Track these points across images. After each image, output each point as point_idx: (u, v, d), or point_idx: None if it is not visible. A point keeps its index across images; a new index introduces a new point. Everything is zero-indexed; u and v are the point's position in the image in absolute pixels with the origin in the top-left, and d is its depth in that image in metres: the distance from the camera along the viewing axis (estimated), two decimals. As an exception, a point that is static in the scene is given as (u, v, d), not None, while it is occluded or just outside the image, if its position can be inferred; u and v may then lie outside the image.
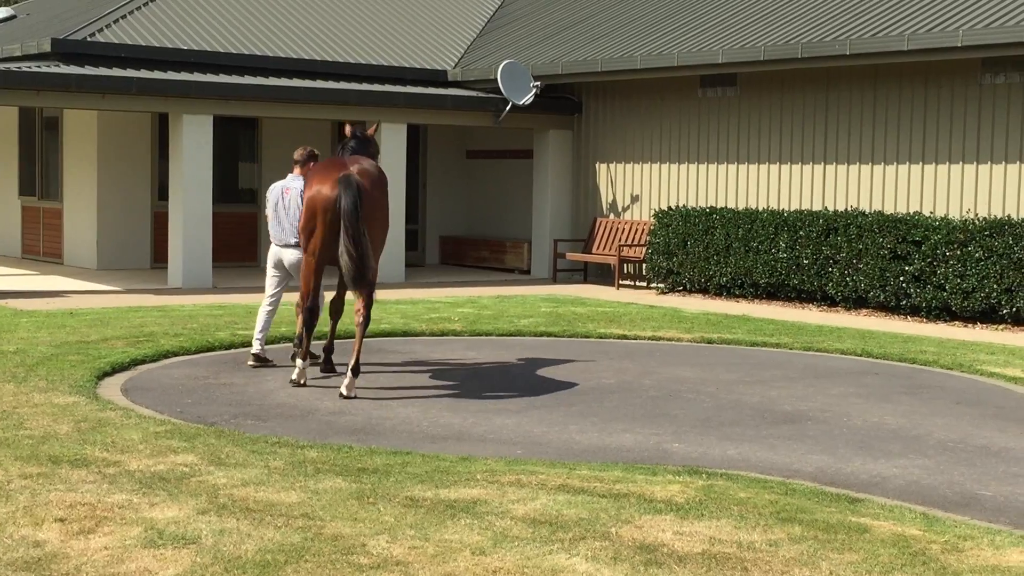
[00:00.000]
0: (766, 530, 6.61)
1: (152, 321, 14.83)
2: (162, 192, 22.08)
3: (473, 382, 11.59)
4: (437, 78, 22.77)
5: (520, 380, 11.75)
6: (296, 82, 20.71)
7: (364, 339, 11.09)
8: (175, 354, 12.65)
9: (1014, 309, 15.80)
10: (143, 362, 12.11)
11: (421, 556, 5.98)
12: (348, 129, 11.78)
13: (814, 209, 18.59)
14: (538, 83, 21.70)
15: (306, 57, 21.72)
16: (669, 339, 14.64)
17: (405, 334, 14.53)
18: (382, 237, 11.27)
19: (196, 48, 20.81)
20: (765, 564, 6.05)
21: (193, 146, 19.48)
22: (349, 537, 6.24)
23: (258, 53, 21.36)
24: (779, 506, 7.11)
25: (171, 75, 19.56)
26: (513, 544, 6.22)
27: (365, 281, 10.65)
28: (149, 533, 6.25)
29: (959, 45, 16.14)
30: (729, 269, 19.03)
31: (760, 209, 19.08)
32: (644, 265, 20.96)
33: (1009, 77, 16.62)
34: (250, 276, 21.48)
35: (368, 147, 11.65)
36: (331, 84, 21.02)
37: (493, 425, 9.66)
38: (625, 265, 21.39)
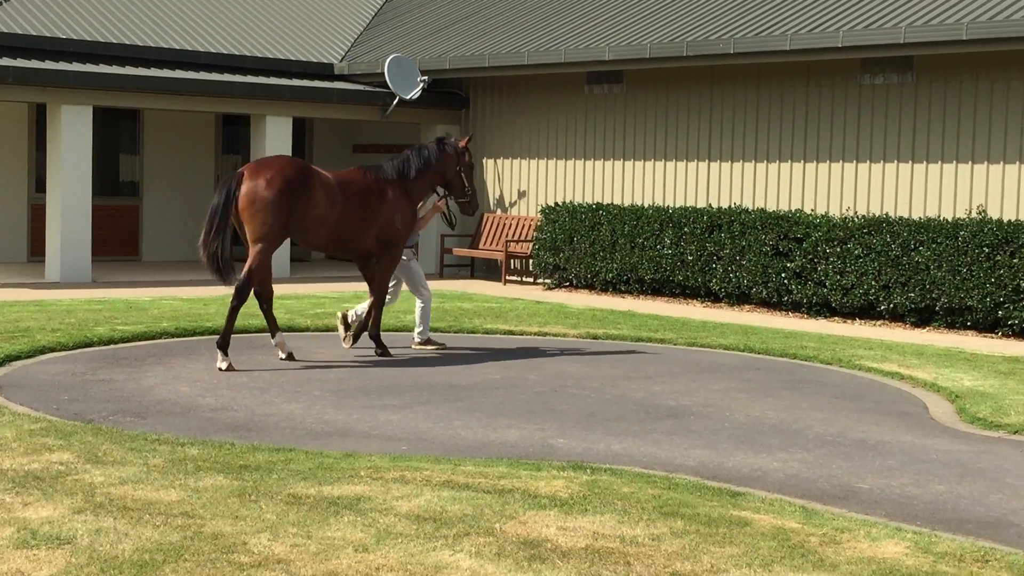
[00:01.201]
0: (649, 524, 6.65)
1: (28, 316, 14.50)
2: (39, 184, 21.61)
3: (358, 378, 11.51)
4: (323, 71, 22.58)
5: (405, 376, 11.70)
6: (179, 74, 20.39)
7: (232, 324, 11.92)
8: (52, 350, 12.37)
9: (892, 305, 16.13)
10: (18, 358, 11.83)
11: (303, 554, 5.91)
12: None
13: (698, 206, 18.80)
14: (425, 78, 21.64)
15: (189, 48, 21.39)
16: (555, 335, 14.69)
17: (290, 329, 14.38)
18: (256, 232, 11.88)
19: (76, 38, 20.38)
20: (647, 558, 6.08)
21: (72, 137, 19.08)
22: (230, 536, 6.14)
23: (140, 43, 20.98)
24: (662, 500, 7.16)
25: (49, 64, 19.12)
26: (396, 541, 6.17)
27: (221, 278, 11.87)
28: (22, 534, 6.09)
29: (839, 46, 16.43)
30: (615, 265, 19.16)
31: (646, 206, 19.23)
32: (531, 261, 21.02)
33: (888, 78, 16.96)
34: (131, 270, 21.12)
35: (421, 157, 12.91)
36: (215, 76, 20.72)
37: (378, 421, 9.60)
38: (512, 261, 21.43)
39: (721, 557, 6.14)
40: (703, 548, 6.27)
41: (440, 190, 13.35)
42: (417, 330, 13.36)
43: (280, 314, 15.37)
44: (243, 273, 11.85)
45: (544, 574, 5.80)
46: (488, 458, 8.31)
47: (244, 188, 11.81)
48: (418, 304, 13.31)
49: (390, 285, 13.10)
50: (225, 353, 11.66)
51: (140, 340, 13.32)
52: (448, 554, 6.02)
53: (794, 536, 6.53)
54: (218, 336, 11.95)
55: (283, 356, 12.32)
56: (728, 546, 6.32)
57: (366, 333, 12.98)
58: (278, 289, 18.63)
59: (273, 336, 12.41)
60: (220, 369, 11.55)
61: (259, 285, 12.20)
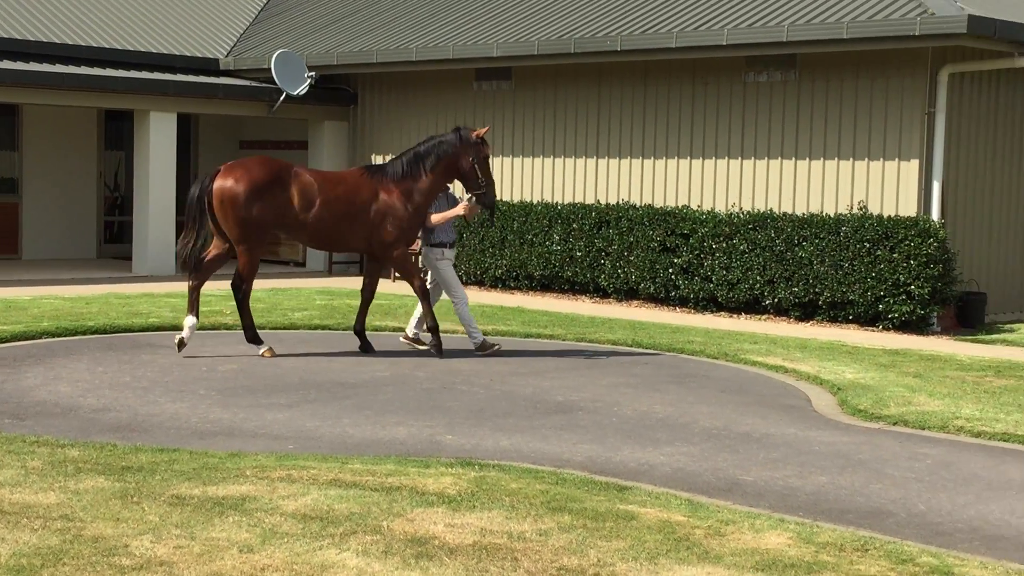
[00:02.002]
0: (536, 520, 6.66)
1: (-97, 316, 14.10)
2: (-85, 181, 21.02)
3: (245, 377, 11.38)
4: (209, 67, 22.27)
5: (293, 374, 11.59)
6: (59, 68, 19.96)
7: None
8: (-73, 351, 12.06)
9: (776, 300, 16.37)
10: None
11: (187, 555, 5.82)
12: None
13: (587, 202, 18.89)
14: (313, 73, 21.46)
15: (70, 42, 20.94)
16: (444, 331, 14.63)
17: (175, 328, 14.16)
18: (232, 233, 12.43)
19: (-49, 30, 19.88)
20: (535, 554, 6.09)
21: (-52, 133, 18.59)
22: (111, 538, 6.03)
23: (18, 37, 20.49)
24: (549, 496, 7.18)
25: (-76, 58, 18.62)
26: (282, 541, 6.11)
27: (186, 273, 12.72)
28: None
29: (724, 44, 16.62)
30: (504, 261, 19.19)
31: (535, 202, 19.29)
32: (420, 258, 20.90)
33: (771, 76, 17.20)
34: (10, 269, 20.66)
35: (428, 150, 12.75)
36: (96, 71, 20.33)
37: (265, 420, 9.49)
38: (401, 257, 21.32)
39: (608, 551, 6.17)
40: (590, 542, 6.30)
41: (467, 193, 13.02)
42: (470, 334, 13.06)
43: (166, 313, 15.15)
44: (235, 273, 12.69)
45: (431, 571, 5.78)
46: (376, 456, 8.27)
47: (214, 187, 12.33)
48: (455, 308, 13.12)
49: (427, 283, 13.07)
50: (259, 342, 12.55)
51: (19, 340, 13.02)
52: (335, 553, 5.97)
53: (680, 529, 6.60)
54: (244, 334, 12.68)
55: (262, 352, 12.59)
56: (615, 540, 6.36)
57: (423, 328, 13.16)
58: (166, 287, 18.36)
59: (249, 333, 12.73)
60: (263, 356, 12.38)
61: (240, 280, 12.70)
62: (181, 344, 12.27)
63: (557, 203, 18.94)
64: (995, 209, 17.06)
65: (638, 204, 18.33)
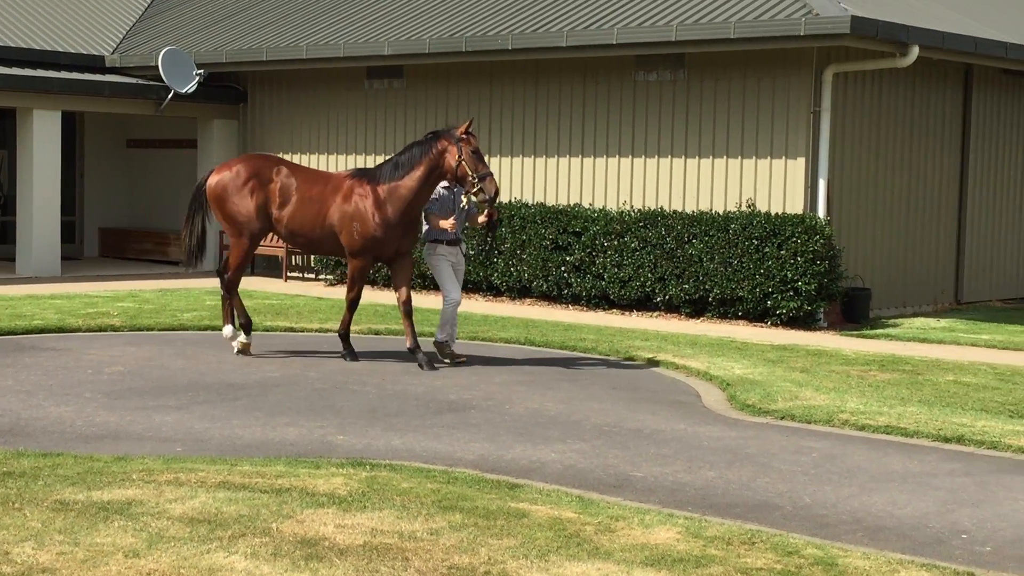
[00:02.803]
0: (427, 519, 6.66)
1: None
2: None
3: (132, 379, 11.20)
4: (94, 64, 21.88)
5: (182, 375, 11.44)
6: (-61, 64, 19.48)
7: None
8: None
9: (667, 297, 16.53)
10: None
11: (70, 562, 5.72)
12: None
13: (479, 201, 18.88)
14: (201, 71, 21.19)
15: (-50, 38, 20.45)
16: (336, 331, 14.54)
17: (60, 330, 13.91)
18: (224, 227, 12.91)
19: None
20: (425, 553, 6.09)
21: None
22: (-9, 546, 5.90)
23: None
24: (441, 495, 7.18)
25: None
26: (169, 545, 6.03)
27: (187, 264, 13.31)
28: None
29: (614, 43, 16.74)
30: (397, 260, 19.10)
31: (427, 201, 19.23)
32: (312, 257, 20.80)
33: (661, 75, 17.36)
34: None
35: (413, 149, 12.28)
36: (-22, 67, 19.87)
37: (152, 423, 9.36)
38: (293, 257, 21.18)
39: (498, 549, 6.19)
40: (481, 541, 6.31)
41: (464, 199, 12.25)
42: (439, 329, 12.48)
43: (50, 315, 14.86)
44: (223, 264, 12.96)
45: (321, 573, 5.75)
46: (266, 457, 8.19)
47: (207, 183, 12.81)
48: (442, 305, 12.55)
49: (450, 284, 12.46)
50: (247, 333, 12.68)
51: (-102, 344, 12.70)
52: (223, 556, 5.91)
53: (570, 526, 6.63)
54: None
55: (236, 350, 12.71)
56: (506, 538, 6.38)
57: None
58: (51, 288, 18.01)
59: (224, 327, 12.91)
60: (228, 339, 12.76)
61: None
62: (243, 351, 12.66)
63: (450, 202, 18.90)
64: (879, 206, 17.40)
65: (530, 202, 18.38)
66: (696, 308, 16.48)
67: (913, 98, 17.74)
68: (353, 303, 12.49)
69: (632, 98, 17.66)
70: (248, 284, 19.89)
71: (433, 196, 12.36)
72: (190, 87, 21.06)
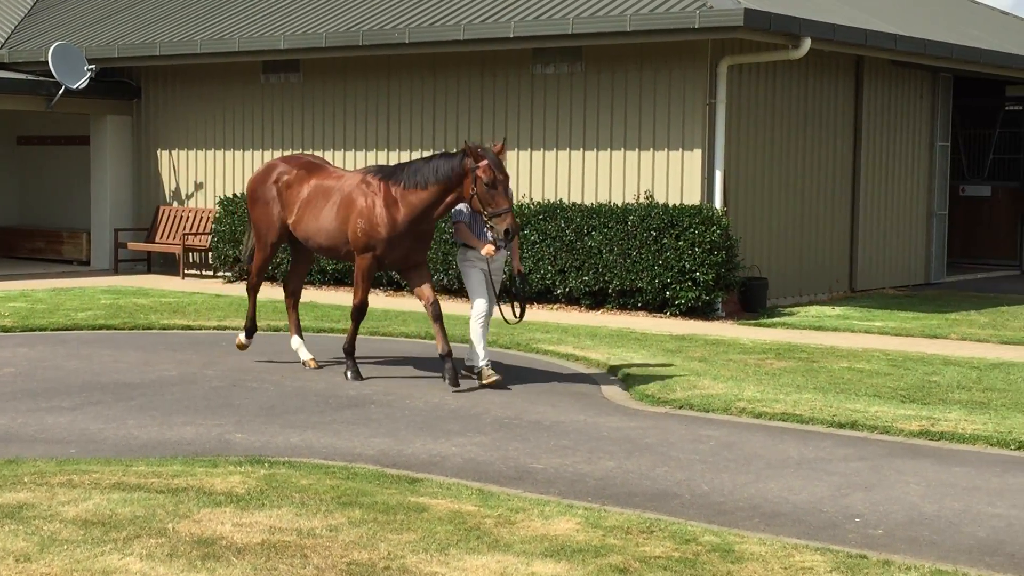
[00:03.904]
0: (327, 515, 6.62)
1: None
2: None
3: (24, 380, 10.99)
4: (-18, 59, 21.43)
5: (75, 376, 11.24)
6: None
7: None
8: None
9: (567, 289, 16.60)
10: None
11: (-42, 568, 5.60)
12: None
13: (378, 195, 18.79)
14: (93, 66, 20.82)
15: None
16: (235, 328, 14.40)
17: (-51, 332, 13.61)
18: (255, 234, 12.25)
19: None
20: (325, 550, 6.05)
21: None
22: None
23: None
24: (340, 491, 7.14)
25: None
26: (62, 548, 5.92)
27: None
28: None
29: (511, 36, 16.76)
30: (296, 256, 18.96)
31: (326, 196, 19.10)
32: (210, 254, 20.57)
33: (558, 68, 17.42)
34: None
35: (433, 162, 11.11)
36: None
37: (45, 424, 9.19)
38: (190, 254, 20.93)
39: (398, 544, 6.17)
40: (380, 536, 6.29)
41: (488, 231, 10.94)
42: (470, 353, 11.31)
43: (-61, 316, 14.53)
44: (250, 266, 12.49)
45: (218, 572, 5.69)
46: (162, 457, 8.09)
47: (250, 189, 12.31)
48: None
49: (479, 296, 11.22)
50: (247, 336, 12.35)
51: None
52: (117, 558, 5.82)
53: (470, 519, 6.64)
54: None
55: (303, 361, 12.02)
56: (405, 532, 6.36)
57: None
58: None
59: (292, 337, 12.20)
60: (240, 345, 12.39)
61: (283, 283, 12.48)
62: (315, 365, 11.94)
63: (349, 196, 18.79)
64: (774, 197, 17.63)
65: (430, 196, 18.31)
66: (596, 300, 16.57)
67: (806, 89, 18.00)
68: (358, 311, 11.38)
69: (530, 91, 17.70)
70: (144, 282, 19.64)
71: (461, 206, 11.12)
72: (81, 83, 20.69)
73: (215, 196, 20.94)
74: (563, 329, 14.49)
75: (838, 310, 16.80)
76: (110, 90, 21.57)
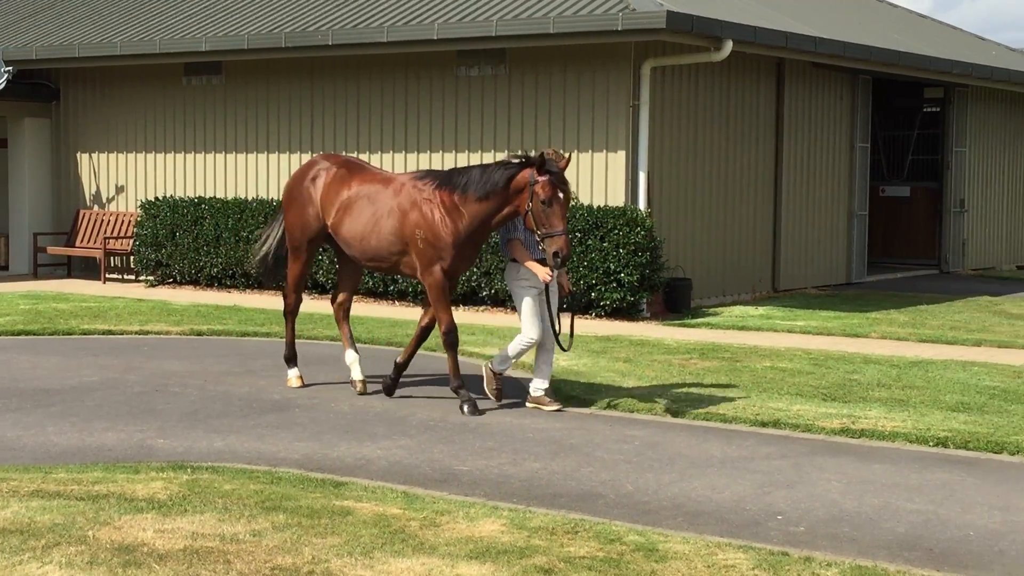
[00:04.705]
0: (250, 521, 6.57)
1: None
2: None
3: (-59, 387, 10.80)
4: None
5: (-6, 382, 11.07)
6: None
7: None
8: None
9: (493, 291, 16.61)
10: None
11: None
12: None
13: (303, 198, 18.67)
14: (10, 68, 20.50)
15: None
16: (157, 333, 14.28)
17: None
18: (290, 235, 11.25)
19: None
20: (248, 555, 6.01)
21: None
22: None
23: None
24: (264, 496, 7.10)
25: None
26: (-21, 557, 5.83)
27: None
28: None
29: (435, 38, 16.74)
30: (220, 260, 18.82)
31: (249, 199, 18.99)
32: (132, 258, 20.35)
33: (482, 70, 17.42)
34: None
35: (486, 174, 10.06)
36: None
37: (-38, 432, 9.04)
38: (112, 258, 20.68)
39: (323, 548, 6.14)
40: (305, 540, 6.25)
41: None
42: (500, 357, 10.55)
43: None
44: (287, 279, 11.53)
45: (139, 579, 5.63)
46: (82, 464, 7.99)
47: (287, 189, 11.51)
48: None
49: (533, 320, 10.25)
50: (289, 364, 11.30)
51: None
52: (36, 567, 5.74)
53: (395, 522, 6.62)
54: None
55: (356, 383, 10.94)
56: (330, 536, 6.33)
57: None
58: None
59: (347, 350, 11.10)
60: (349, 365, 11.03)
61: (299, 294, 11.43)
62: (362, 388, 10.83)
63: (273, 199, 18.69)
64: (697, 198, 17.76)
65: (354, 199, 18.25)
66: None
67: (729, 91, 18.15)
68: (448, 337, 10.27)
69: (454, 93, 17.69)
70: (64, 286, 19.38)
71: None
72: (-1, 85, 20.38)
73: (136, 199, 20.71)
74: (489, 331, 14.49)
75: (761, 310, 16.96)
76: (28, 92, 21.25)
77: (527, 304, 10.21)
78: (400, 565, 5.93)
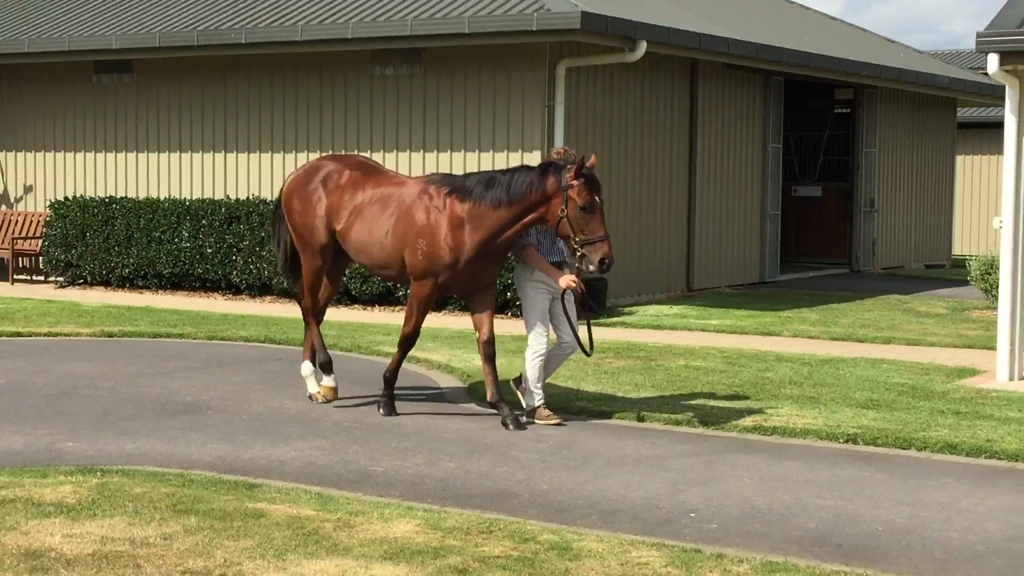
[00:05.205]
0: (161, 524, 6.50)
1: None
2: None
3: None
4: None
5: (-102, 386, 10.84)
6: None
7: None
8: None
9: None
10: None
11: None
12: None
13: (216, 198, 18.53)
14: (-84, 65, 20.11)
15: None
16: (67, 334, 14.07)
17: None
18: (296, 236, 10.48)
19: None
20: (158, 559, 5.94)
21: None
22: None
23: None
24: (176, 498, 7.02)
25: None
26: None
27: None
28: None
29: (349, 37, 16.67)
30: (131, 260, 18.59)
31: (162, 198, 18.77)
32: (41, 258, 20.02)
33: (397, 69, 17.38)
34: None
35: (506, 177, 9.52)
36: None
37: None
38: (20, 259, 20.34)
39: (235, 551, 6.09)
40: (216, 543, 6.20)
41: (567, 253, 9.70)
42: (524, 392, 9.97)
43: None
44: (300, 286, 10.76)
45: (46, 585, 5.54)
46: (-11, 468, 7.84)
47: (283, 194, 10.69)
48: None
49: (539, 329, 9.78)
50: (319, 374, 10.42)
51: None
52: (-61, 574, 5.63)
53: (309, 523, 6.58)
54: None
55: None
56: (242, 539, 6.28)
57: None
58: None
59: (303, 363, 10.69)
60: (310, 398, 10.40)
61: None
62: (321, 398, 10.36)
63: (185, 199, 18.49)
64: (613, 198, 17.82)
65: (269, 199, 18.12)
66: (438, 302, 16.52)
67: (643, 92, 18.27)
68: (407, 340, 9.99)
69: (369, 93, 17.63)
70: (5, 291, 19.02)
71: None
72: (-97, 82, 19.95)
73: (46, 199, 20.38)
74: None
75: (676, 309, 17.09)
76: (-67, 90, 20.83)
77: (535, 311, 9.73)
78: (314, 567, 5.89)
